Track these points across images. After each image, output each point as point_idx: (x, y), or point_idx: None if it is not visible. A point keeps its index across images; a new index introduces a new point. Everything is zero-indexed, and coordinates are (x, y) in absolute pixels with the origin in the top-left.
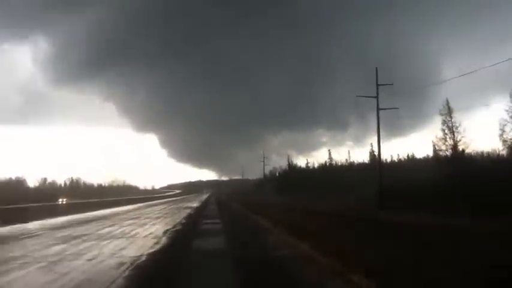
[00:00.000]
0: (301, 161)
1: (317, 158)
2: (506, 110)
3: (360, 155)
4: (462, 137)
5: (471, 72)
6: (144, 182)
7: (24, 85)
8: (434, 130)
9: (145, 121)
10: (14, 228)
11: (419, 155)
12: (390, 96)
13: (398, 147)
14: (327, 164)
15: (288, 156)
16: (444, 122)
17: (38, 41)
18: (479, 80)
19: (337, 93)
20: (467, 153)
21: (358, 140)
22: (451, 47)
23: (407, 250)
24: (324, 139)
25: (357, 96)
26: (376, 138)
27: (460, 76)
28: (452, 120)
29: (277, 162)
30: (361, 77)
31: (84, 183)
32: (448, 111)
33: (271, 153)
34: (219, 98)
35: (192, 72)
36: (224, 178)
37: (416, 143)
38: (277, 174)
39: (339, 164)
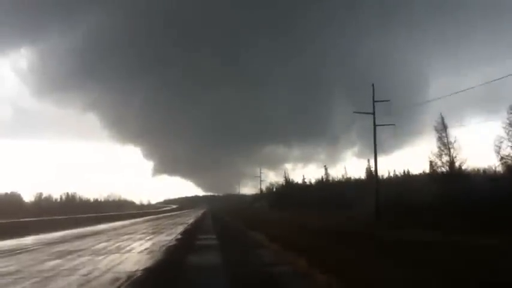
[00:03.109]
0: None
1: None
2: (504, 127)
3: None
4: (457, 154)
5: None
6: (140, 196)
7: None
8: (422, 146)
9: (137, 136)
10: (9, 242)
11: (415, 170)
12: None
13: (393, 163)
14: (324, 179)
15: (285, 171)
16: (439, 139)
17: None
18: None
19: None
20: (464, 170)
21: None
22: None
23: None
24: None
25: (354, 112)
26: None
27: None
28: (448, 136)
29: (268, 176)
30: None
31: (80, 198)
32: (443, 128)
33: (267, 167)
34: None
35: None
36: (220, 194)
37: (408, 159)
38: (274, 189)
39: (336, 179)
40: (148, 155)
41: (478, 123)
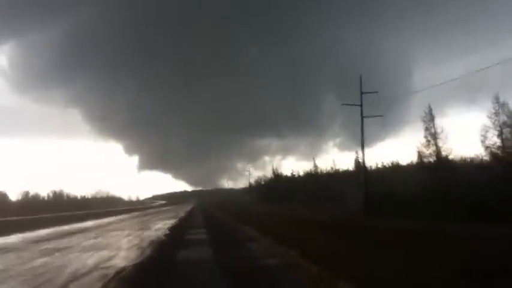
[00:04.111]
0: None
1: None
2: (489, 117)
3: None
4: (444, 143)
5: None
6: (128, 193)
7: None
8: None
9: (119, 131)
10: None
11: (401, 161)
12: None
13: (378, 154)
14: (312, 172)
15: (273, 165)
16: (427, 129)
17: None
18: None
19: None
20: (451, 159)
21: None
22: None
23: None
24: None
25: (342, 104)
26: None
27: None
28: (435, 127)
29: (262, 167)
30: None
31: (68, 196)
32: (431, 118)
33: (260, 161)
34: (199, 105)
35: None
36: (209, 188)
37: (391, 150)
38: (262, 183)
39: (324, 171)
40: (131, 150)
41: (460, 113)
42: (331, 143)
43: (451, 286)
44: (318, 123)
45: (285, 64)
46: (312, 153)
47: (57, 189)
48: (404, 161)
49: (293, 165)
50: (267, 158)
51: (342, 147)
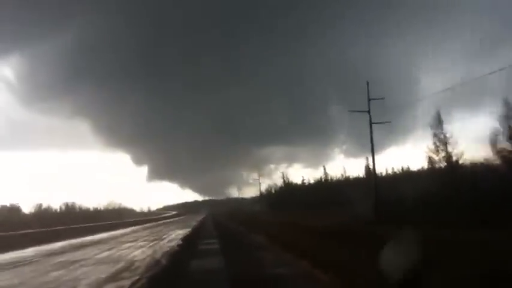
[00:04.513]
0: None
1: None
2: (499, 120)
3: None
4: (453, 148)
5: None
6: (139, 203)
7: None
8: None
9: (127, 142)
10: (11, 255)
11: (411, 167)
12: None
13: (386, 160)
14: (322, 179)
15: (283, 173)
16: (435, 135)
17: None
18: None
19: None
20: (461, 164)
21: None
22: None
23: None
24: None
25: (349, 111)
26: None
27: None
28: (444, 132)
29: (271, 174)
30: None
31: (80, 208)
32: (439, 123)
33: (266, 169)
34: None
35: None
36: (220, 198)
37: (399, 156)
38: (273, 191)
39: (334, 179)
40: (140, 160)
41: (466, 118)
42: (337, 150)
43: None
44: (324, 130)
45: (290, 73)
46: (317, 161)
47: (69, 201)
48: (413, 167)
49: (299, 173)
50: (272, 166)
51: (348, 154)
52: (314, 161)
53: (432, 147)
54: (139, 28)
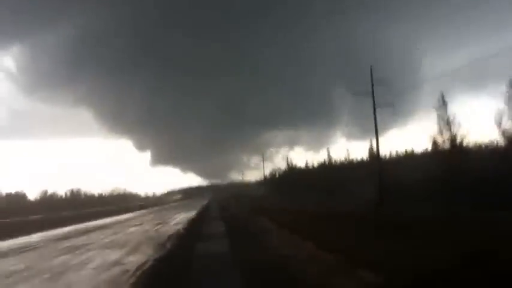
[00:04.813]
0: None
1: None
2: (505, 102)
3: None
4: (457, 130)
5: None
6: (143, 188)
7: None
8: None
9: (130, 127)
10: (17, 241)
11: (416, 149)
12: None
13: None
14: (326, 162)
15: (287, 157)
16: (439, 116)
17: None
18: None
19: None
20: (466, 146)
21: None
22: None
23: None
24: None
25: (352, 94)
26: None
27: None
28: (447, 114)
29: (273, 157)
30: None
31: (85, 194)
32: (443, 105)
33: (267, 152)
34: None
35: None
36: (224, 182)
37: (401, 138)
38: (277, 175)
39: (338, 162)
40: (142, 146)
41: (469, 99)
42: (339, 133)
43: None
44: (325, 113)
45: (292, 58)
46: (319, 144)
47: (74, 187)
48: (417, 149)
49: (300, 157)
50: (273, 149)
51: (350, 136)
52: (315, 144)
53: (436, 128)
54: (142, 13)
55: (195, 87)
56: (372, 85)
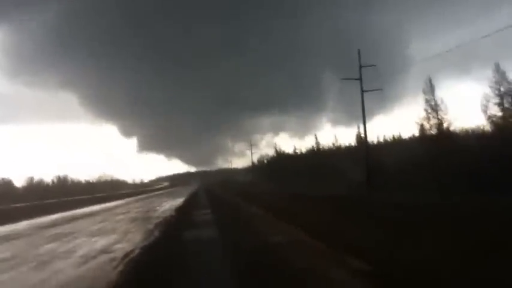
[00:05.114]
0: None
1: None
2: (491, 86)
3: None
4: (444, 114)
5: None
6: (131, 175)
7: None
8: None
9: (114, 113)
10: (2, 229)
11: (404, 134)
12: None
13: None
14: (314, 148)
15: (275, 143)
16: (427, 101)
17: None
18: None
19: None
20: (452, 131)
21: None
22: None
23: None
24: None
25: (341, 78)
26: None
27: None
28: (435, 98)
29: (258, 144)
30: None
31: (72, 181)
32: (431, 89)
33: (254, 138)
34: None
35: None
36: (212, 169)
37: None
38: (265, 162)
39: (326, 148)
40: (129, 132)
41: (454, 84)
42: (324, 119)
43: None
44: (312, 99)
45: (279, 42)
46: (305, 129)
47: (61, 174)
48: (404, 135)
49: (286, 143)
50: (258, 136)
51: (337, 122)
52: (301, 130)
53: (423, 113)
54: None
55: (181, 74)
56: (360, 68)
